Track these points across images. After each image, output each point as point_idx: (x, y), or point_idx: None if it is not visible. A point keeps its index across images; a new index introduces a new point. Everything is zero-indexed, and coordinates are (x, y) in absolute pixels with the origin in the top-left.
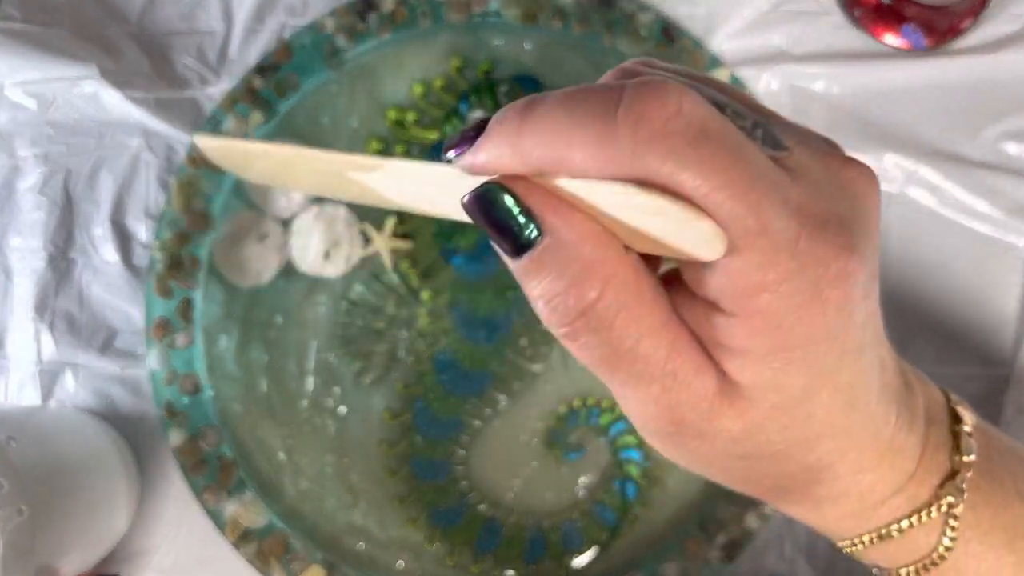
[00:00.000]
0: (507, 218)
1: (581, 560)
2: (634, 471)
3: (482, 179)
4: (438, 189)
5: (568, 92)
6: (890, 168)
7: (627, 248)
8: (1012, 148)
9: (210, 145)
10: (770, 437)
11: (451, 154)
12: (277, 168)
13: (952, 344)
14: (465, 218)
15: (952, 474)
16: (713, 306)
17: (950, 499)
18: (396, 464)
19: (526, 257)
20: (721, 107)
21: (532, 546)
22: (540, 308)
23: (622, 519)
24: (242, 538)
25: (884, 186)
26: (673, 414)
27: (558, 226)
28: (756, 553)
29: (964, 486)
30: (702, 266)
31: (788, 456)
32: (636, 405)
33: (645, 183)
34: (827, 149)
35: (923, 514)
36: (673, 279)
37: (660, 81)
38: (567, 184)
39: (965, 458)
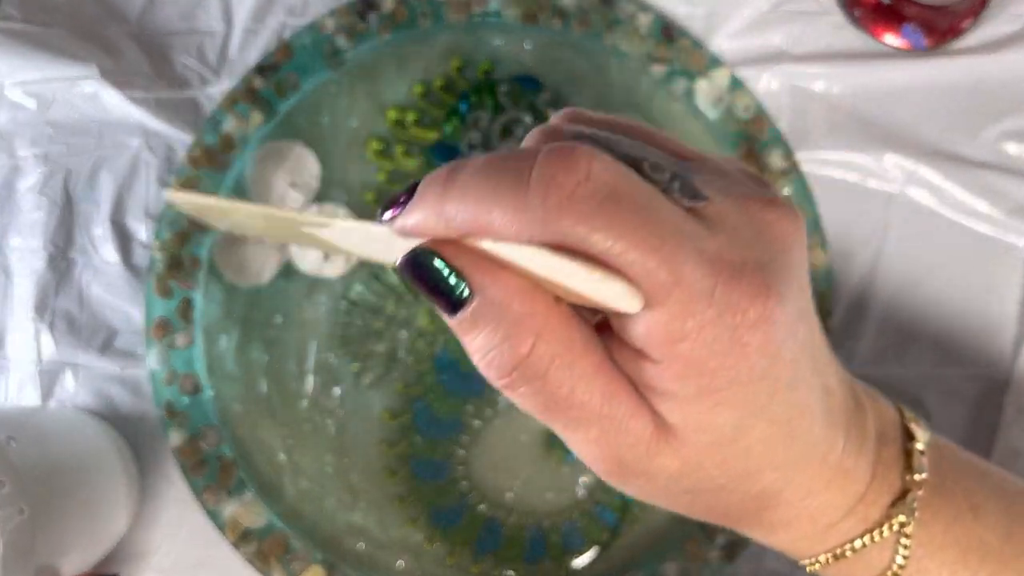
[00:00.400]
0: (438, 279)
1: (581, 560)
2: None
3: (416, 240)
4: (382, 244)
5: (487, 159)
6: (890, 168)
7: (557, 299)
8: (1012, 148)
9: (180, 199)
10: (710, 473)
11: (387, 215)
12: (245, 221)
13: (952, 344)
14: (390, 257)
15: (903, 493)
16: (639, 352)
17: (901, 518)
18: (396, 464)
19: (460, 315)
20: (637, 163)
21: (532, 546)
22: (477, 361)
23: (622, 519)
24: (242, 538)
25: (884, 186)
26: (614, 455)
27: (487, 284)
28: (756, 553)
29: (915, 505)
30: (626, 316)
31: (731, 489)
32: (580, 447)
33: (560, 246)
34: (749, 193)
35: (875, 534)
36: (606, 323)
37: (570, 147)
38: (491, 246)
39: (916, 476)
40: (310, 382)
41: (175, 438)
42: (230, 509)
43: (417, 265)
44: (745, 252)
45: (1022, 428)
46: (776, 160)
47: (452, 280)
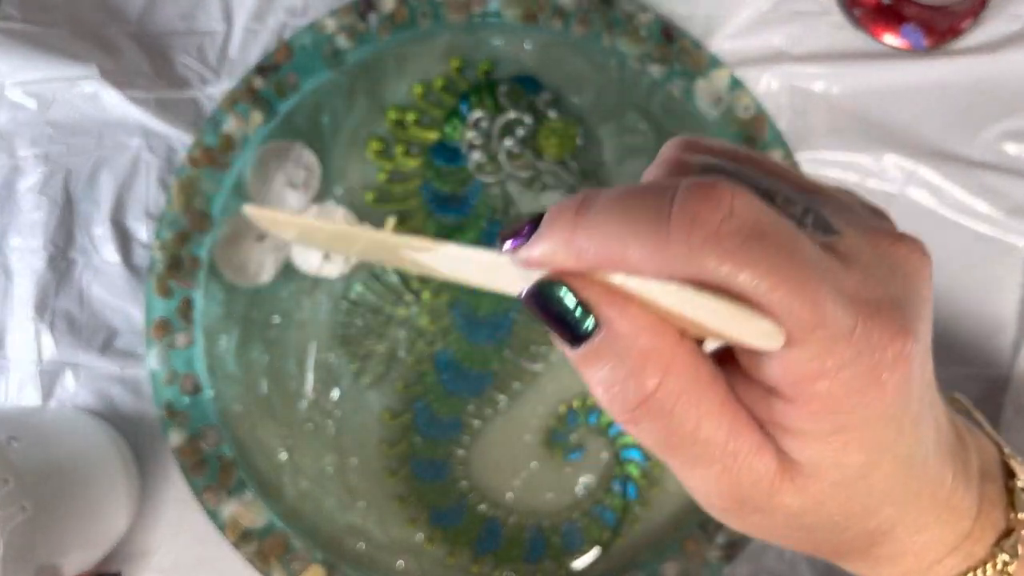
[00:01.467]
0: (564, 312)
1: (581, 560)
2: (634, 471)
3: (535, 271)
4: (490, 272)
5: (621, 192)
6: (890, 168)
7: (683, 333)
8: (1012, 148)
9: (258, 215)
10: (830, 510)
11: (507, 245)
12: (325, 239)
13: (952, 344)
14: (506, 286)
15: (1007, 532)
16: (770, 389)
17: (1005, 557)
18: (396, 464)
19: (584, 347)
20: (771, 196)
21: (532, 546)
22: (599, 395)
23: (622, 519)
24: (242, 538)
25: (884, 186)
26: (734, 492)
27: (614, 318)
28: (755, 553)
29: (1018, 544)
30: (758, 353)
31: (847, 526)
32: (697, 484)
33: (700, 283)
34: (875, 225)
35: (978, 571)
36: (726, 357)
37: (710, 182)
38: (622, 280)
39: (1020, 515)
40: (310, 382)
41: (175, 438)
42: (230, 509)
43: (543, 298)
44: (881, 289)
45: (1022, 428)
46: (776, 160)
47: (578, 313)
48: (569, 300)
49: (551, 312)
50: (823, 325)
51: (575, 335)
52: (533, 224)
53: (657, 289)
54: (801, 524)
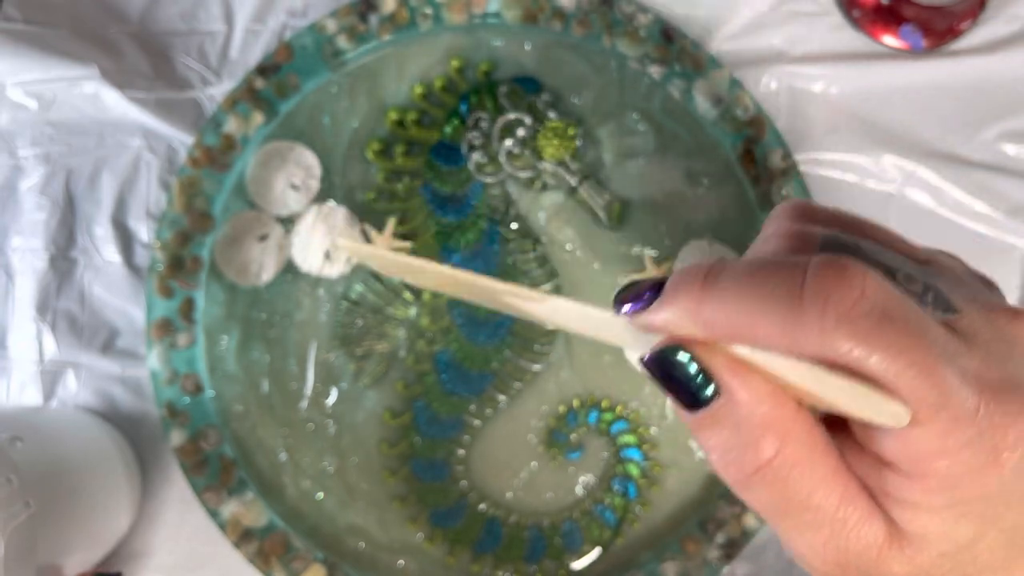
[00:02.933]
0: (685, 378)
1: (581, 560)
2: (634, 471)
3: (652, 334)
4: (601, 328)
5: (750, 267)
6: (889, 169)
7: (799, 401)
8: (1011, 149)
9: (356, 250)
10: None
11: (626, 308)
12: (423, 276)
13: None
14: (618, 343)
15: None
16: (885, 462)
17: None
18: (396, 464)
19: (702, 412)
20: (892, 272)
21: (532, 546)
22: (714, 459)
23: (622, 519)
24: (243, 537)
25: (883, 186)
26: (840, 558)
27: (735, 387)
28: (755, 552)
29: None
30: (876, 428)
31: None
32: (803, 548)
33: (828, 361)
34: (990, 300)
35: None
36: (835, 421)
37: (842, 263)
38: (746, 352)
39: None
40: (311, 382)
41: (176, 438)
42: (231, 509)
43: (665, 363)
44: (1002, 369)
45: None
46: (775, 160)
47: (699, 379)
48: (691, 367)
49: (672, 376)
50: (947, 407)
51: (694, 401)
52: (654, 289)
53: (782, 364)
54: None
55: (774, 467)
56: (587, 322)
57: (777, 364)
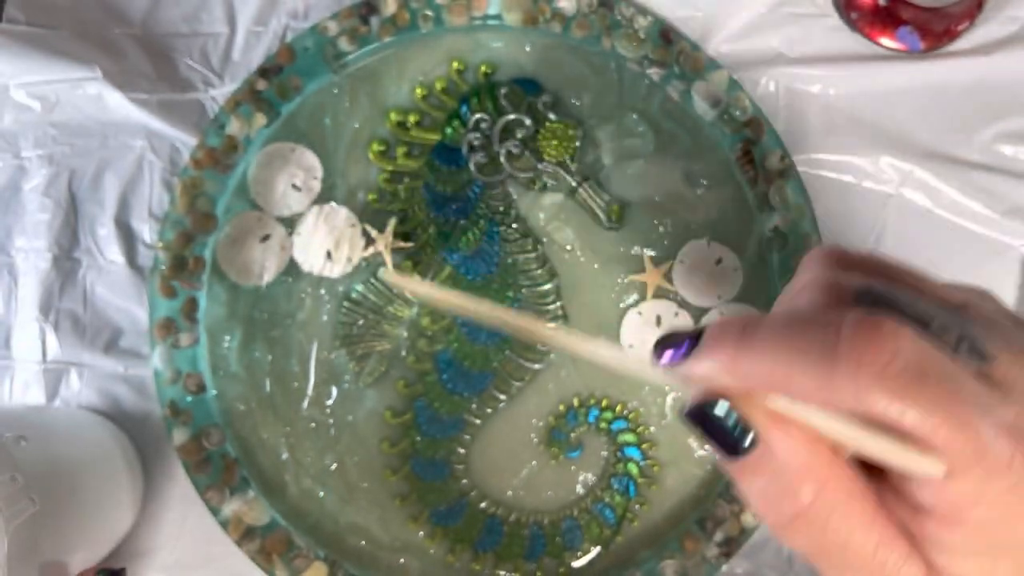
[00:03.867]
0: (724, 429)
1: (581, 558)
2: (633, 469)
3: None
4: (639, 370)
5: (786, 323)
6: (886, 169)
7: (836, 448)
8: (1008, 150)
9: (401, 283)
10: None
11: (666, 359)
12: (464, 309)
13: None
14: (655, 382)
15: None
16: (922, 508)
17: None
18: (397, 463)
19: (741, 460)
20: (926, 321)
21: (532, 544)
22: (754, 505)
23: (622, 517)
24: (245, 536)
25: (880, 187)
26: None
27: (774, 436)
28: (753, 550)
29: None
30: (913, 477)
31: None
32: None
33: (863, 416)
34: None
35: None
36: (871, 468)
37: (876, 321)
38: (785, 405)
39: None
40: (312, 381)
41: (179, 437)
42: (233, 507)
43: (704, 415)
44: None
45: None
46: (773, 161)
47: (738, 430)
48: (730, 418)
49: (711, 427)
50: (984, 459)
51: (734, 450)
52: (692, 339)
53: (818, 417)
54: None
55: (812, 512)
56: (625, 365)
57: (813, 417)
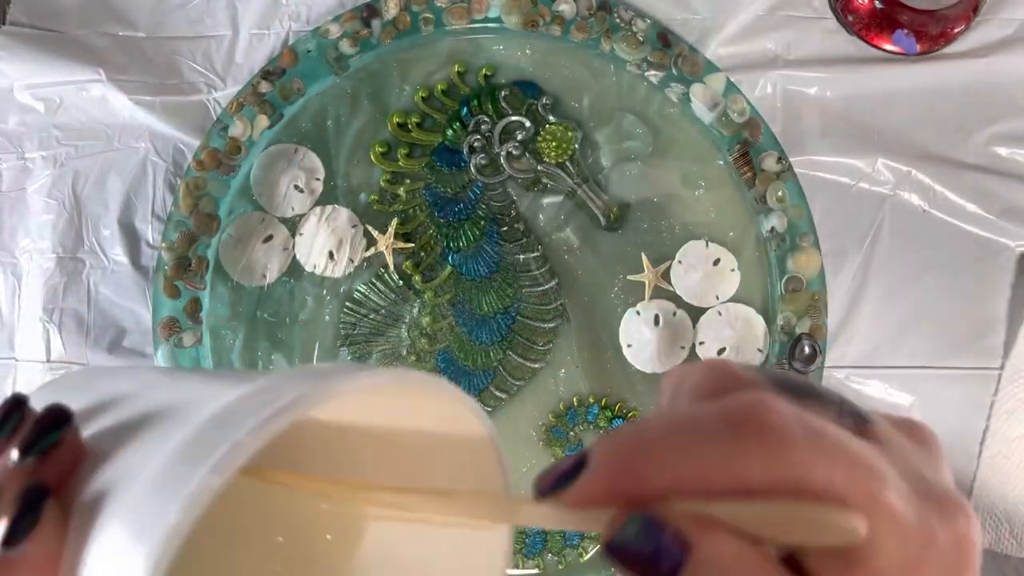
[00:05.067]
0: (650, 546)
1: (581, 555)
2: None
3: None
4: (528, 518)
5: (670, 419)
6: (883, 170)
7: (758, 541)
8: (1003, 151)
9: (284, 479)
10: None
11: (551, 484)
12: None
13: (943, 344)
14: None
15: None
16: None
17: None
18: None
19: None
20: (807, 396)
21: (533, 541)
22: None
23: None
24: None
25: (877, 188)
26: None
27: (705, 541)
28: None
29: None
30: (839, 562)
31: None
32: None
33: (772, 492)
34: (889, 415)
35: None
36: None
37: (758, 397)
38: (697, 505)
39: None
40: None
41: None
42: None
43: (627, 537)
44: (920, 470)
45: (1012, 427)
46: (771, 163)
47: (666, 542)
48: (653, 534)
49: (638, 551)
50: (894, 518)
51: (663, 569)
52: (578, 460)
53: (731, 507)
54: None
55: None
56: (516, 517)
57: (726, 509)
